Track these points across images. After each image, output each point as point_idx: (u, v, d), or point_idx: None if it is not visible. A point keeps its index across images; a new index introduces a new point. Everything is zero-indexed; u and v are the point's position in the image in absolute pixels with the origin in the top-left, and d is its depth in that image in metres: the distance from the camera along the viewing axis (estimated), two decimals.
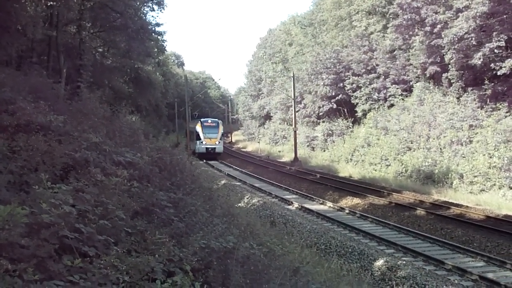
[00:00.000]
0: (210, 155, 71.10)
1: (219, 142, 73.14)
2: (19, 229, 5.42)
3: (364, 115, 60.96)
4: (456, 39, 41.08)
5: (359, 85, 61.27)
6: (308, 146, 71.24)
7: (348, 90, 63.16)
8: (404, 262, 18.96)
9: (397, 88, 56.16)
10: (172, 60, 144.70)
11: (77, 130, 13.10)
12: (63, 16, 35.59)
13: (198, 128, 72.60)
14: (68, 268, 5.38)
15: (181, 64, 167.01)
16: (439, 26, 44.30)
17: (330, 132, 65.84)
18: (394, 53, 56.65)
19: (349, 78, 62.60)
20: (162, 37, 59.22)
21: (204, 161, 66.15)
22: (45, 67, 33.47)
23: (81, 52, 39.36)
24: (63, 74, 31.99)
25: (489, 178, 35.64)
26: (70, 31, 42.42)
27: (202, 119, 78.24)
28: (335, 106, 66.13)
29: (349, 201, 35.06)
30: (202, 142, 71.39)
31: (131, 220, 8.07)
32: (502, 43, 38.85)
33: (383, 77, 58.09)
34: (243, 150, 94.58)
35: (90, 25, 45.58)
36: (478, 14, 39.45)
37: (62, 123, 12.76)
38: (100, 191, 8.19)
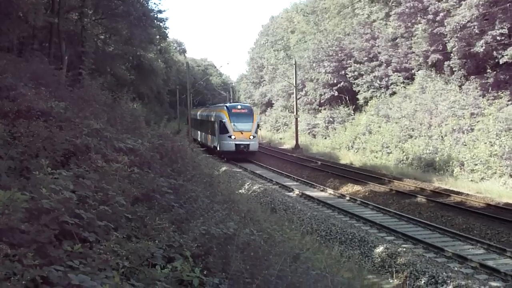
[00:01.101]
0: (241, 154, 50.80)
1: (253, 136, 51.20)
2: (19, 214, 5.44)
3: (366, 102, 60.94)
4: (459, 27, 40.99)
5: (361, 72, 61.26)
6: (309, 133, 71.29)
7: (349, 77, 63.12)
8: (404, 249, 19.06)
9: (399, 76, 56.15)
10: (174, 47, 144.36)
11: (78, 116, 13.11)
12: (65, 3, 35.51)
13: (223, 116, 51.52)
14: (68, 253, 5.40)
15: (183, 51, 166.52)
16: (441, 14, 44.26)
17: (331, 119, 65.89)
18: (396, 41, 56.55)
19: (351, 66, 62.53)
20: (164, 24, 59.07)
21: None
22: (47, 53, 33.38)
23: (83, 39, 39.33)
24: (65, 61, 31.90)
25: (490, 166, 35.74)
26: (72, 18, 42.33)
27: (228, 104, 56.89)
28: (336, 93, 66.08)
29: (349, 188, 35.12)
30: (230, 137, 50.25)
31: (132, 206, 8.09)
32: (505, 31, 38.79)
33: (385, 65, 58.08)
34: None
35: (92, 12, 45.49)
36: (481, 2, 39.37)
37: (63, 109, 12.77)
38: (100, 177, 8.21)
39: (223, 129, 50.90)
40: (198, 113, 71.33)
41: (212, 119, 56.19)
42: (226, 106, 54.53)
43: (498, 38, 38.98)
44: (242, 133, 50.23)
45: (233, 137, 50.09)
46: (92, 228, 6.30)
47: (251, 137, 50.76)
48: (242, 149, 50.29)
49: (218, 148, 52.07)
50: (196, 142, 48.14)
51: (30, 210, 5.77)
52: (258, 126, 54.08)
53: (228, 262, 7.66)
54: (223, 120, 51.08)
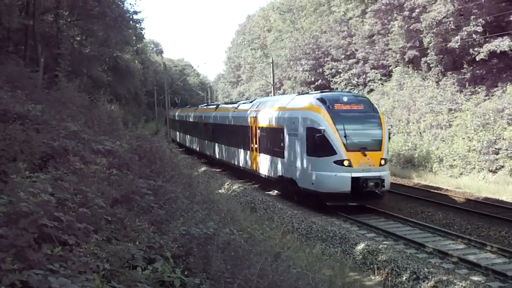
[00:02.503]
0: (363, 200, 24.71)
1: (385, 160, 24.53)
2: None
3: None
4: (435, 23, 41.15)
5: (338, 70, 61.28)
6: None
7: (327, 75, 63.09)
8: (385, 246, 19.07)
9: (377, 73, 56.28)
10: (150, 48, 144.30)
11: (56, 119, 13.05)
12: (40, 4, 35.22)
13: (318, 117, 24.46)
14: (48, 256, 5.35)
15: (160, 52, 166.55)
16: (417, 10, 44.42)
17: None
18: (373, 38, 56.70)
19: (328, 64, 62.53)
20: (140, 25, 58.86)
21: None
22: (22, 56, 33.16)
23: (58, 41, 39.03)
24: (41, 63, 31.70)
25: (469, 162, 35.88)
26: (47, 20, 41.98)
27: (323, 94, 27.05)
28: None
29: None
30: (340, 163, 23.60)
31: (111, 208, 8.05)
32: (480, 28, 38.91)
33: (362, 62, 58.17)
34: None
35: (67, 14, 45.18)
36: None
37: (40, 112, 12.71)
38: (79, 179, 8.16)
39: (320, 145, 24.20)
40: (200, 113, 54.02)
41: (276, 124, 29.69)
42: (320, 98, 25.77)
43: (473, 35, 39.13)
44: (364, 155, 23.96)
45: (346, 163, 23.72)
46: (71, 231, 6.25)
47: (383, 161, 24.51)
48: (370, 188, 23.49)
49: (306, 184, 25.80)
50: (175, 143, 47.28)
51: (9, 214, 5.73)
52: (389, 137, 26.39)
53: (209, 262, 7.64)
54: (320, 128, 24.02)
